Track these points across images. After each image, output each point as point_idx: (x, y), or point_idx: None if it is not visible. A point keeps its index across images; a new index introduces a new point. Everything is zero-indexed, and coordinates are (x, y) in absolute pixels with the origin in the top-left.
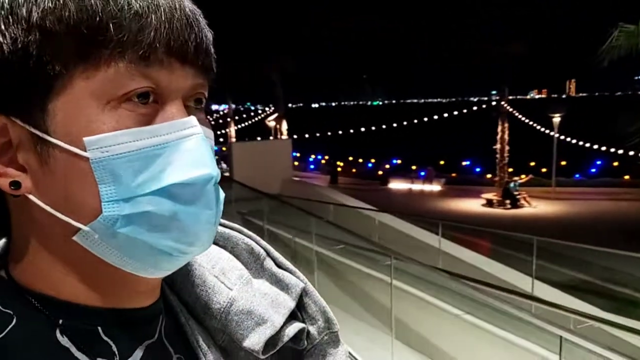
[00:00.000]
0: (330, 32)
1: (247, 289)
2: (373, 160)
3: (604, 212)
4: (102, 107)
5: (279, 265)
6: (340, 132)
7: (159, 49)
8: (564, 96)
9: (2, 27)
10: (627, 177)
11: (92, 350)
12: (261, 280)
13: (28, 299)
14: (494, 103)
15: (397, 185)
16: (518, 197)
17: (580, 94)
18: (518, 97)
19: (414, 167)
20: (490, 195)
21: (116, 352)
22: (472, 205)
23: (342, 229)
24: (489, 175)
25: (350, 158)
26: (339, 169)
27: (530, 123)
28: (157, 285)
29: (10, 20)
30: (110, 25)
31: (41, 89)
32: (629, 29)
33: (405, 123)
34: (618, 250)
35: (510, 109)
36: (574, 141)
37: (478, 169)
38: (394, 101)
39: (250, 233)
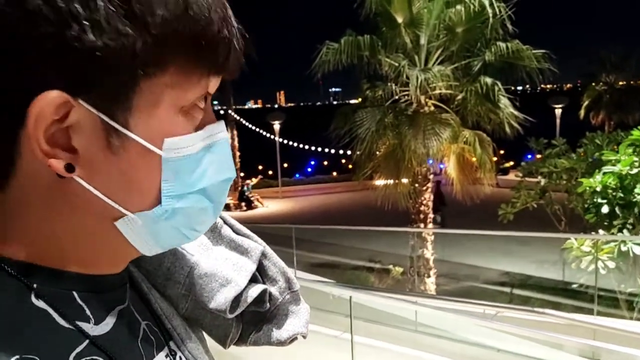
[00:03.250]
0: None
1: (208, 255)
2: None
3: (321, 204)
4: (177, 111)
5: (236, 232)
6: None
7: (229, 71)
8: (276, 106)
9: (113, 21)
10: (335, 173)
11: (69, 313)
12: (221, 247)
13: (2, 266)
14: (221, 112)
15: None
16: (252, 198)
17: (289, 104)
18: (238, 107)
19: None
20: (227, 200)
21: (90, 316)
22: None
23: None
24: None
25: None
26: None
27: (257, 130)
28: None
29: (124, 14)
30: (218, 47)
31: (130, 85)
32: (334, 46)
33: None
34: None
35: (237, 117)
36: (294, 144)
37: None
38: None
39: None
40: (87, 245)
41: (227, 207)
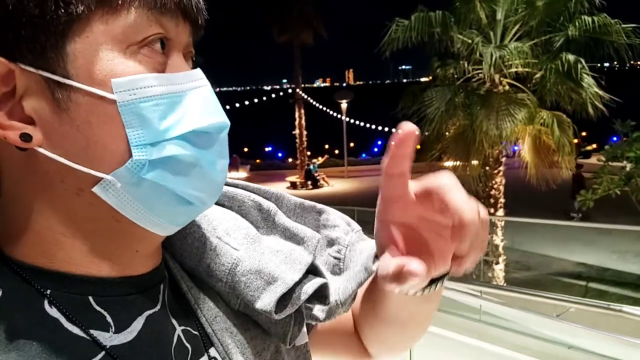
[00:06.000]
0: None
1: (254, 248)
2: None
3: None
4: (122, 52)
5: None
6: None
7: (167, 5)
8: (344, 84)
9: None
10: None
11: (84, 321)
12: (274, 237)
13: (15, 270)
14: (290, 91)
15: None
16: (318, 177)
17: (358, 82)
18: (306, 85)
19: None
20: (293, 178)
21: (111, 323)
22: (279, 188)
23: None
24: (290, 159)
25: None
26: None
27: (323, 109)
28: (157, 249)
29: None
30: None
31: (59, 31)
32: (404, 23)
33: None
34: None
35: (305, 96)
36: (361, 124)
37: (280, 154)
38: None
39: (256, 187)
40: (90, 236)
41: (294, 185)
